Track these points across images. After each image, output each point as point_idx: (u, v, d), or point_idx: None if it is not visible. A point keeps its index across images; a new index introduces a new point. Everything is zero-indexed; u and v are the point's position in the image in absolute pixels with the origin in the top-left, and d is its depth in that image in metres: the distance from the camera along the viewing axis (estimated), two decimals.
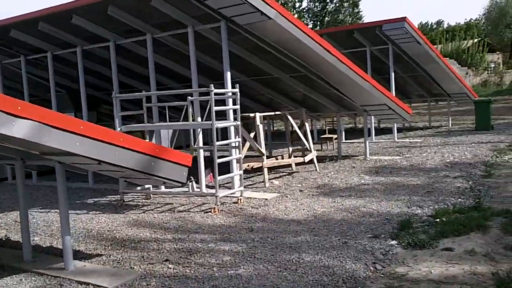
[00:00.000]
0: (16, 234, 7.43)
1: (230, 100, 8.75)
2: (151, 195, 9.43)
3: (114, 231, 7.16)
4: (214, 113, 7.88)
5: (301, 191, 9.31)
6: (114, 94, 8.81)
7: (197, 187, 9.31)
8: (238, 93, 8.45)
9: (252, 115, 10.00)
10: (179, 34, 9.66)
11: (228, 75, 8.96)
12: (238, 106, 8.49)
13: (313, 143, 16.97)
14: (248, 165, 10.36)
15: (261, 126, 9.94)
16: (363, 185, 9.44)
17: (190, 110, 8.44)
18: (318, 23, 44.36)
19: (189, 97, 8.52)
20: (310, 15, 44.40)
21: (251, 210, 7.94)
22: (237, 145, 8.63)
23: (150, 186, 9.52)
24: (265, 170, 10.00)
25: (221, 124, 8.14)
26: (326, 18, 43.65)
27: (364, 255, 5.41)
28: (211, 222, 7.32)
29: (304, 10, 44.93)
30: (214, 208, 7.96)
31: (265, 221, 7.21)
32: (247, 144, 10.34)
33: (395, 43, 15.90)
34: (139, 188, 9.38)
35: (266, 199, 8.74)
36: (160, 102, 10.24)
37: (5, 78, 13.85)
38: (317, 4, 44.11)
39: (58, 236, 7.05)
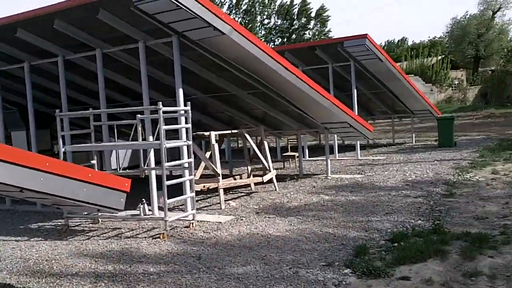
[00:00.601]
0: None
1: (183, 118, 8.38)
2: (99, 220, 8.91)
3: (53, 261, 6.64)
4: (163, 132, 7.49)
5: (257, 213, 8.97)
6: (57, 112, 8.32)
7: (149, 210, 8.88)
8: (190, 111, 8.08)
9: (207, 133, 9.64)
10: (131, 49, 9.28)
11: (180, 91, 8.60)
12: (189, 125, 8.12)
13: (275, 161, 16.79)
14: (204, 186, 9.96)
15: (216, 145, 9.58)
16: (322, 206, 9.16)
17: (139, 128, 8.04)
18: (286, 40, 44.66)
19: (138, 115, 8.11)
20: (277, 32, 44.64)
21: (202, 235, 7.54)
22: (188, 165, 8.23)
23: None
24: (221, 191, 9.62)
25: (170, 144, 7.74)
26: (293, 35, 43.93)
27: (316, 286, 5.08)
28: (158, 250, 6.88)
29: (272, 27, 45.14)
30: (163, 233, 7.53)
31: (215, 247, 6.82)
32: (203, 164, 9.97)
33: (357, 60, 15.86)
34: (85, 212, 8.86)
35: (220, 222, 8.35)
36: (115, 119, 9.80)
37: None
38: (284, 21, 44.40)
39: None
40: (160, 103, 7.49)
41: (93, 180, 4.93)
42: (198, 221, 8.43)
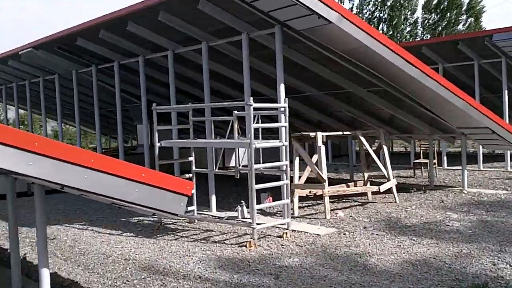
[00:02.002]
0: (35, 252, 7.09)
1: (282, 116, 7.81)
2: (195, 219, 8.74)
3: (130, 261, 6.53)
4: (252, 131, 7.00)
5: (365, 227, 8.07)
6: (154, 106, 8.28)
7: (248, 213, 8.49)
8: (287, 108, 7.49)
9: (312, 134, 8.95)
10: (237, 42, 8.97)
11: (282, 87, 8.05)
12: (286, 124, 7.53)
13: (406, 168, 15.45)
14: (310, 191, 9.32)
15: (323, 148, 8.84)
16: (445, 226, 7.95)
17: (235, 125, 7.67)
18: (435, 36, 41.60)
19: (235, 112, 7.74)
20: (425, 27, 41.85)
21: (292, 248, 6.91)
22: (284, 169, 7.65)
23: (195, 209, 8.87)
24: (326, 199, 8.87)
25: (261, 144, 7.23)
26: (443, 30, 40.79)
27: None
28: (237, 260, 6.41)
29: (419, 22, 42.40)
30: (249, 242, 7.05)
31: (302, 265, 6.14)
32: (308, 168, 9.32)
33: (509, 55, 13.88)
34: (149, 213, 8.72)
35: (318, 235, 7.64)
36: (215, 115, 9.61)
37: (83, 87, 14.14)
38: (433, 15, 41.43)
39: (72, 260, 6.60)
40: (251, 99, 7.01)
41: (148, 180, 4.57)
42: (293, 230, 7.81)
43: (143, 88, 11.22)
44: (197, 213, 8.98)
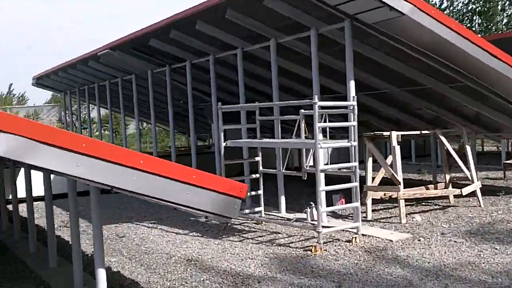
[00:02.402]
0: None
1: (351, 115, 7.51)
2: (263, 221, 8.63)
3: (192, 262, 6.53)
4: (317, 130, 6.77)
5: (442, 234, 7.57)
6: (219, 105, 8.26)
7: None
8: (356, 106, 7.18)
9: (386, 133, 8.54)
10: (305, 37, 8.76)
11: (352, 84, 7.75)
12: (355, 123, 7.21)
13: (497, 170, 14.43)
14: (384, 194, 8.92)
15: (397, 148, 8.41)
16: None
17: (302, 124, 7.47)
18: None
19: (302, 110, 7.53)
20: None
21: (360, 255, 6.60)
22: (354, 170, 7.34)
23: (262, 210, 8.77)
24: (401, 202, 8.42)
25: (328, 144, 6.97)
26: None
27: None
28: (300, 264, 6.21)
29: None
30: (315, 246, 6.82)
31: (367, 273, 5.83)
32: (383, 169, 8.91)
33: None
34: (246, 211, 8.68)
35: (391, 240, 7.26)
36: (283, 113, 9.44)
37: (161, 87, 14.48)
38: None
39: (137, 259, 6.72)
40: (316, 96, 6.78)
41: (199, 182, 4.50)
42: (364, 235, 7.48)
43: (213, 87, 11.29)
44: (265, 214, 8.87)
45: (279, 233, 8.03)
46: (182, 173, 4.42)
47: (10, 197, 8.34)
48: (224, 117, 13.40)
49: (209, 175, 4.59)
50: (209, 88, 14.04)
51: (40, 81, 19.88)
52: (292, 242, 7.40)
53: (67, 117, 21.51)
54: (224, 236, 7.88)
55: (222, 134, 8.28)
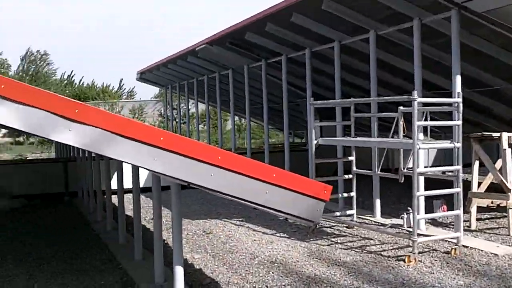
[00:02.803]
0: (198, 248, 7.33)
1: (455, 113, 6.92)
2: (354, 225, 8.25)
3: (275, 264, 6.34)
4: (417, 129, 6.30)
5: None
6: (311, 100, 7.99)
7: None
8: (460, 104, 6.59)
9: (496, 135, 7.79)
10: (407, 28, 8.24)
11: (458, 79, 7.15)
12: (459, 122, 6.63)
13: None
14: (491, 202, 8.18)
15: (509, 151, 7.64)
16: None
17: (400, 122, 7.02)
18: None
19: (401, 107, 7.07)
20: None
21: (459, 268, 6.04)
22: (456, 174, 6.76)
23: (354, 213, 8.39)
24: (511, 212, 7.67)
25: (427, 144, 6.46)
26: None
27: None
28: (391, 275, 5.80)
29: None
30: (408, 256, 6.36)
31: None
32: (490, 175, 8.16)
33: None
34: (337, 214, 8.35)
35: (496, 254, 6.60)
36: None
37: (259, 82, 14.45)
38: None
39: (220, 257, 6.66)
40: (415, 92, 6.30)
41: (280, 182, 4.27)
42: (465, 246, 6.87)
43: (309, 82, 11.03)
44: (357, 218, 8.48)
45: (371, 239, 7.62)
46: (262, 171, 4.23)
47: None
48: (321, 113, 13.17)
49: (290, 174, 4.37)
50: (305, 83, 13.82)
51: (144, 76, 20.72)
52: (385, 250, 6.97)
53: (168, 112, 22.24)
54: (312, 239, 7.62)
55: (313, 131, 8.00)
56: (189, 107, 20.65)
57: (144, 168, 3.96)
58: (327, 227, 8.39)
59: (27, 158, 17.48)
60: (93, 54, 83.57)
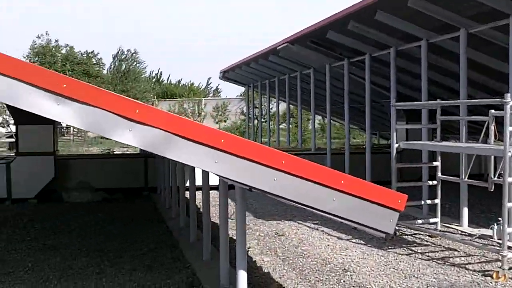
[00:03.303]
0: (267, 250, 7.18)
1: None
2: (438, 235, 7.74)
3: (348, 273, 6.04)
4: (509, 135, 5.75)
5: None
6: (393, 102, 7.57)
7: None
8: None
9: None
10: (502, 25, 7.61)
11: None
12: None
13: None
14: None
15: None
16: None
17: (491, 127, 6.48)
18: None
19: (492, 111, 6.52)
20: None
21: None
22: None
23: (438, 222, 7.88)
24: None
25: None
26: None
27: None
28: None
29: None
30: (496, 272, 5.83)
31: None
32: None
33: None
34: (419, 221, 7.88)
35: None
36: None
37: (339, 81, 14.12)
38: None
39: (290, 261, 6.46)
40: (509, 95, 5.75)
41: (348, 189, 4.00)
42: None
43: (393, 82, 10.55)
44: (442, 226, 7.96)
45: (455, 250, 7.10)
46: (329, 177, 3.98)
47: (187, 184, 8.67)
48: (409, 115, 12.59)
49: (361, 181, 4.08)
50: (389, 83, 13.29)
51: (226, 75, 20.93)
52: (470, 263, 6.45)
53: (250, 110, 22.33)
54: (390, 247, 7.23)
55: (394, 134, 7.58)
56: (271, 106, 20.60)
57: (205, 170, 3.85)
58: (408, 235, 7.94)
59: (114, 153, 18.20)
60: (182, 53, 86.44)
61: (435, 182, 7.80)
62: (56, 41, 39.52)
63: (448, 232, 7.98)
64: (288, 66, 15.59)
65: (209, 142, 3.73)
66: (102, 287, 5.29)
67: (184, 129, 3.69)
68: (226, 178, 3.89)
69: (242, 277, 4.61)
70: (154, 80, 54.69)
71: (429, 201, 7.98)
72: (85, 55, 40.10)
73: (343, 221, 4.14)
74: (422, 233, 7.98)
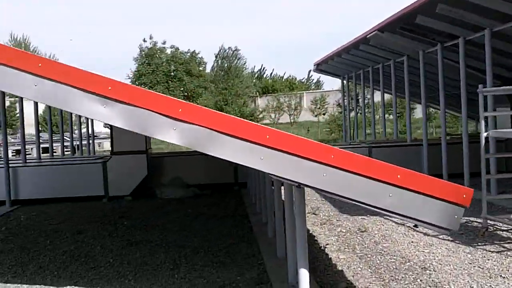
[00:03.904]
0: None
1: None
2: None
3: (427, 271, 5.71)
4: None
5: None
6: (480, 88, 7.01)
7: None
8: None
9: None
10: None
11: None
12: None
13: None
14: None
15: None
16: None
17: None
18: None
19: None
20: None
21: None
22: None
23: None
24: None
25: None
26: None
27: None
28: None
29: None
30: None
31: None
32: None
33: None
34: None
35: None
36: None
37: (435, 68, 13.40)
38: None
39: (368, 259, 6.24)
40: None
41: (406, 184, 3.76)
42: None
43: (489, 66, 9.80)
44: None
45: None
46: (383, 171, 3.80)
47: None
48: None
49: (420, 175, 3.84)
50: (496, 69, 12.42)
51: (320, 67, 20.67)
52: None
53: (345, 102, 21.87)
54: (480, 244, 6.74)
55: (483, 122, 7.04)
56: (367, 96, 20.04)
57: (252, 167, 3.81)
58: (503, 231, 7.36)
59: None
60: (284, 47, 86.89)
61: None
62: (164, 42, 41.27)
63: None
64: (380, 54, 15.08)
65: (254, 138, 3.70)
66: (172, 284, 5.43)
67: (227, 126, 3.70)
68: (273, 174, 3.83)
69: (304, 275, 4.52)
70: (256, 76, 55.54)
71: None
72: (188, 54, 41.50)
73: (403, 218, 3.92)
74: None
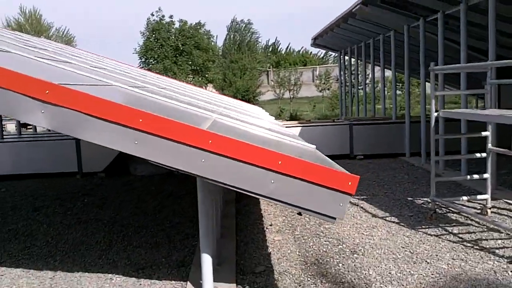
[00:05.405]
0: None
1: None
2: (488, 211, 6.93)
3: (355, 255, 5.63)
4: None
5: None
6: (431, 66, 6.75)
7: None
8: None
9: None
10: None
11: None
12: None
13: None
14: None
15: None
16: None
17: None
18: None
19: None
20: None
21: None
22: None
23: (488, 198, 7.03)
24: None
25: None
26: None
27: None
28: (493, 285, 4.68)
29: None
30: None
31: None
32: None
33: None
34: (465, 198, 7.10)
35: None
36: None
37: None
38: None
39: (302, 241, 6.16)
40: None
41: (288, 170, 3.67)
42: None
43: (463, 42, 9.47)
44: (491, 204, 7.12)
45: (499, 231, 6.30)
46: (263, 156, 3.70)
47: None
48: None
49: (304, 162, 3.75)
50: (477, 43, 12.05)
51: (317, 42, 20.29)
52: (504, 248, 5.70)
53: (341, 77, 21.50)
54: (423, 226, 6.62)
55: (433, 102, 6.82)
56: (368, 71, 19.63)
57: (125, 152, 3.75)
58: (454, 213, 7.21)
59: None
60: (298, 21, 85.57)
61: (484, 155, 6.94)
62: (171, 16, 40.77)
63: (502, 208, 7.13)
64: (370, 29, 14.74)
65: (126, 122, 3.64)
66: (94, 265, 5.42)
67: (99, 110, 3.61)
68: (150, 160, 3.75)
69: (207, 261, 4.46)
70: (270, 49, 54.82)
71: (476, 176, 7.13)
72: (194, 26, 40.86)
73: (287, 206, 3.83)
74: (472, 210, 7.20)
